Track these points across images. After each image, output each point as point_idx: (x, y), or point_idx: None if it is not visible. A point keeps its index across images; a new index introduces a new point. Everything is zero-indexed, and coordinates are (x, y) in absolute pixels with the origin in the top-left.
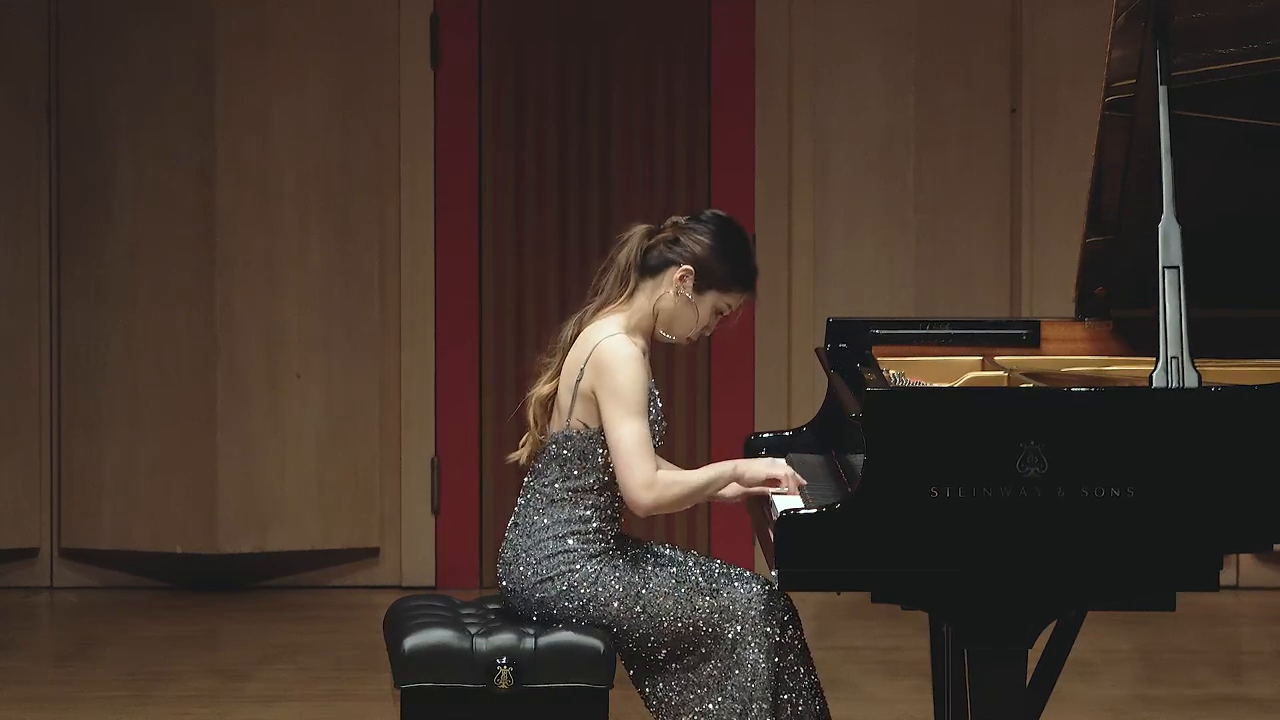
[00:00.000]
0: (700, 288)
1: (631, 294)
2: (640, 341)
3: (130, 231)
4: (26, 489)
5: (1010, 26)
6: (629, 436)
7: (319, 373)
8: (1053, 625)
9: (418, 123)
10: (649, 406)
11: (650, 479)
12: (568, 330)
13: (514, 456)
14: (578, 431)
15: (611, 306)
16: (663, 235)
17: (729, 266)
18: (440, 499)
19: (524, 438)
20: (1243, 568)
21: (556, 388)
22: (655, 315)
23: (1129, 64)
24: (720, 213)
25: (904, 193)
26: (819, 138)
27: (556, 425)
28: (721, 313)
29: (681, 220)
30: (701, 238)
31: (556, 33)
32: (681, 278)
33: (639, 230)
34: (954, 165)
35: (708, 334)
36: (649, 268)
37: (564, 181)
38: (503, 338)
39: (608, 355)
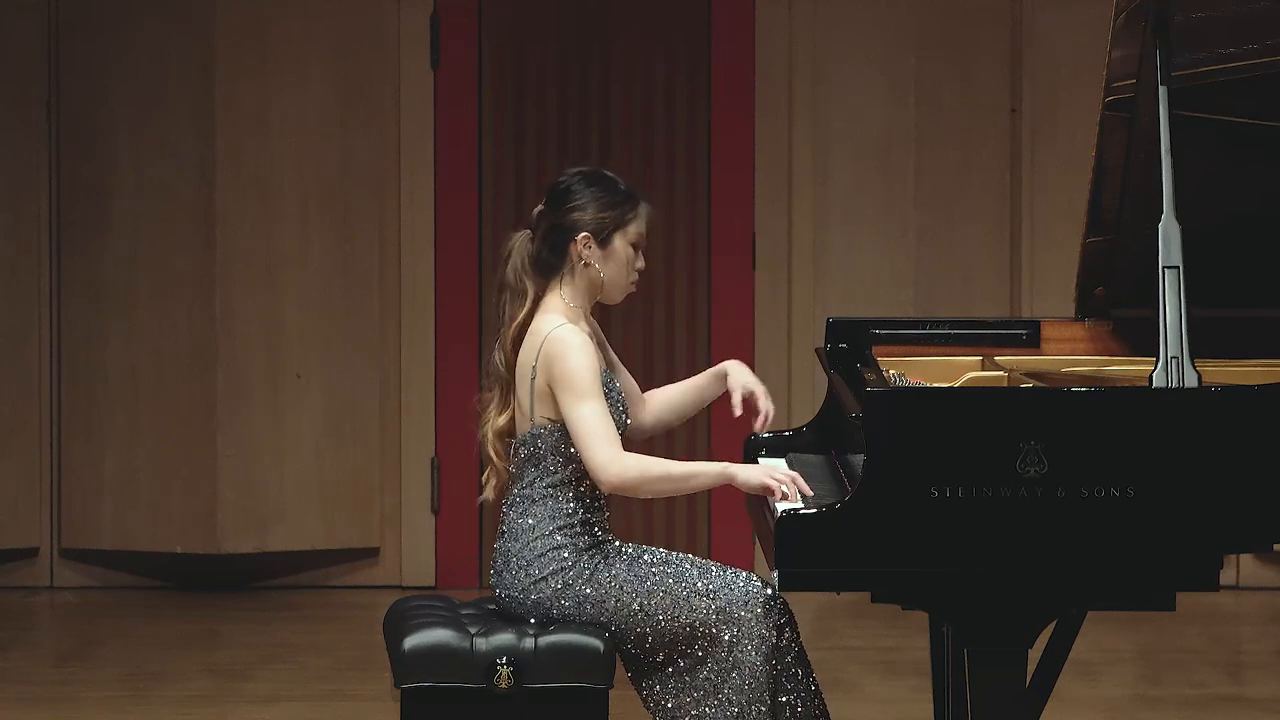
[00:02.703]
0: (604, 241)
1: (542, 294)
2: (585, 327)
3: (130, 231)
4: (26, 489)
5: (1010, 26)
6: (586, 417)
7: (319, 373)
8: (1053, 625)
9: (418, 123)
10: (607, 389)
11: (612, 456)
12: (496, 357)
13: (484, 496)
14: (544, 428)
15: (525, 314)
16: (539, 230)
17: (611, 208)
18: (440, 499)
19: (485, 474)
20: (1243, 568)
21: (512, 416)
22: (589, 291)
23: (1129, 64)
24: (567, 174)
25: (904, 193)
26: (819, 138)
27: (522, 428)
28: (637, 245)
29: (542, 207)
30: (570, 203)
31: (556, 33)
32: (584, 244)
33: (518, 236)
34: (954, 165)
35: (641, 267)
36: (547, 264)
37: None
38: None
39: (557, 345)
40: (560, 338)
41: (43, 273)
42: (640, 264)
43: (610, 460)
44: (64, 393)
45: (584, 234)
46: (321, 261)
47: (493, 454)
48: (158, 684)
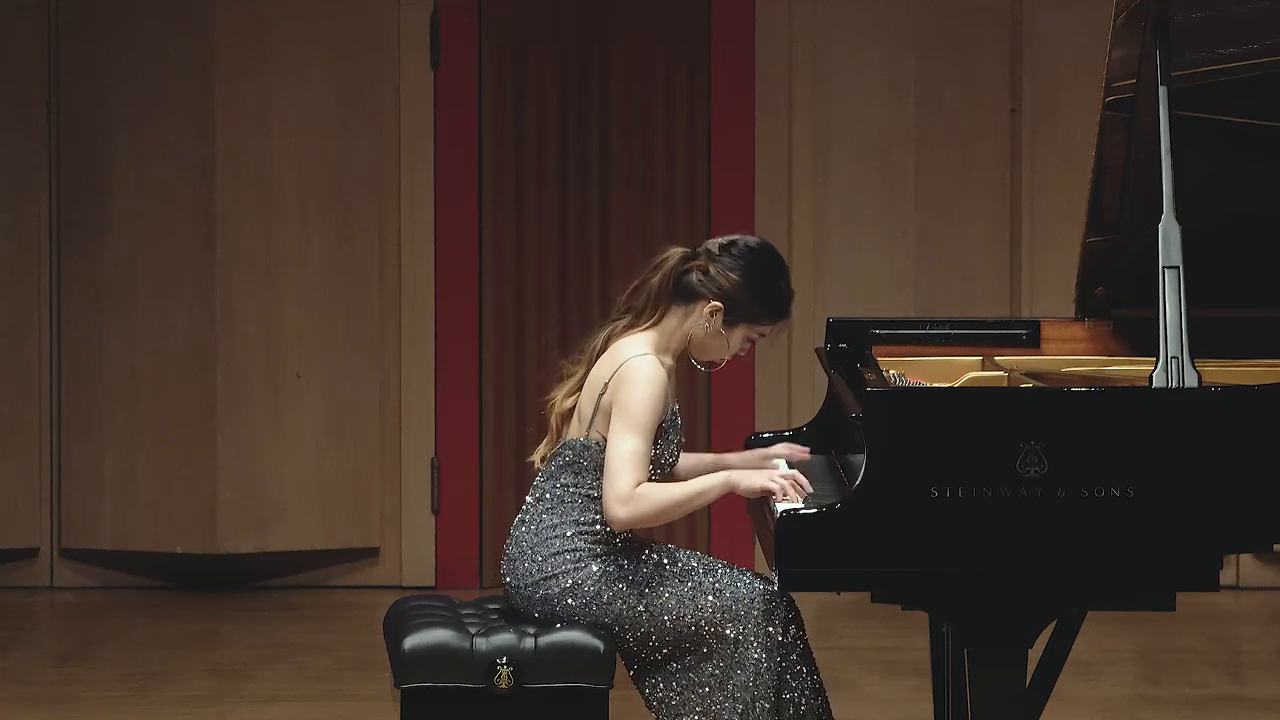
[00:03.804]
0: (730, 322)
1: (661, 317)
2: (669, 361)
3: (130, 231)
4: (26, 489)
5: (1010, 26)
6: (623, 450)
7: (319, 373)
8: (1053, 625)
9: (418, 123)
10: (667, 429)
11: (627, 494)
12: (597, 341)
13: (533, 457)
14: (595, 444)
15: (641, 326)
16: (696, 263)
17: (759, 301)
18: (440, 499)
19: (544, 442)
20: (1243, 568)
21: (578, 400)
22: (687, 340)
23: (1129, 64)
24: (753, 243)
25: (904, 193)
26: (819, 138)
27: (576, 431)
28: (753, 340)
29: (715, 249)
30: (731, 274)
31: (556, 33)
32: (711, 312)
33: (675, 255)
34: (954, 165)
35: (742, 355)
36: (681, 295)
37: (564, 181)
38: (503, 338)
39: (631, 373)
40: (637, 367)
41: (43, 273)
42: (743, 353)
43: (626, 497)
44: (64, 393)
45: (717, 304)
46: (321, 261)
47: (555, 426)
48: (158, 684)
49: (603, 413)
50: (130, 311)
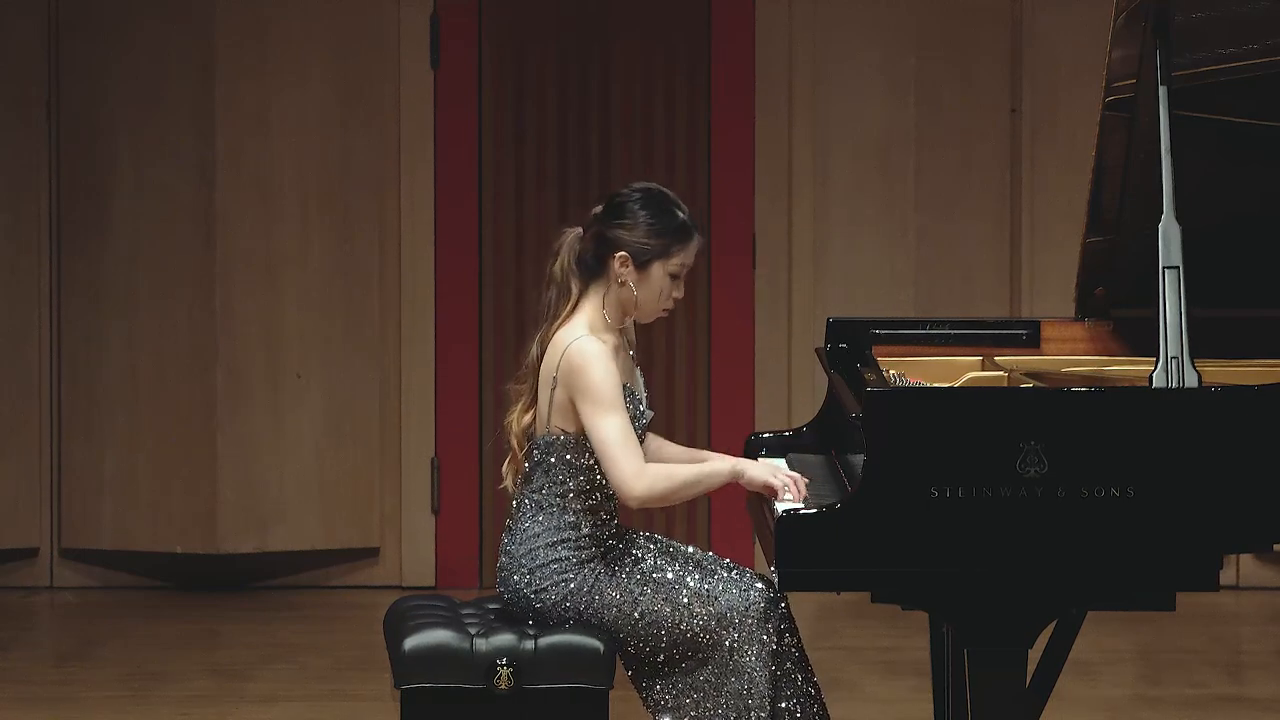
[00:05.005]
0: (642, 265)
1: (580, 298)
2: (608, 337)
3: (130, 231)
4: (26, 489)
5: (1010, 26)
6: (610, 431)
7: (319, 373)
8: (1053, 625)
9: (418, 123)
10: (626, 400)
11: (638, 469)
12: (533, 350)
13: (503, 485)
14: (557, 438)
15: (565, 317)
16: (588, 234)
17: (658, 233)
18: (440, 499)
19: (506, 463)
20: (1243, 568)
21: (535, 414)
22: (620, 309)
23: (1129, 64)
24: (635, 187)
25: (904, 193)
26: (819, 138)
27: (538, 430)
28: (676, 275)
29: (599, 212)
30: (622, 222)
31: (556, 33)
32: (621, 263)
33: (567, 236)
34: (954, 165)
35: (678, 296)
36: (589, 270)
37: (564, 181)
38: (503, 338)
39: (576, 358)
40: (580, 349)
41: (43, 273)
42: (678, 293)
43: (636, 474)
44: (64, 393)
45: (623, 253)
46: (321, 261)
47: (514, 445)
48: (158, 684)
49: (557, 408)
50: (130, 311)
